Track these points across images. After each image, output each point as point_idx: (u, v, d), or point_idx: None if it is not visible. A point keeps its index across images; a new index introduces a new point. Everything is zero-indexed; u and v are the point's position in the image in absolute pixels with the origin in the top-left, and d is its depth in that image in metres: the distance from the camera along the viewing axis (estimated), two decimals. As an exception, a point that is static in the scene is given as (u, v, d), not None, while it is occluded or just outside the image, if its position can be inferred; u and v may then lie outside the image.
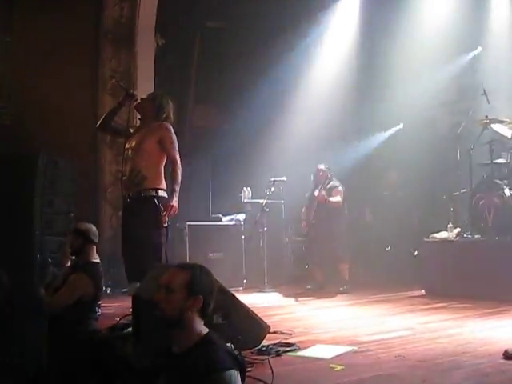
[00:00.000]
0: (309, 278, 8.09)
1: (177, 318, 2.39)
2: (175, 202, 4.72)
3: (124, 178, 4.85)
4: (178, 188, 4.77)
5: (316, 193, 7.81)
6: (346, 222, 8.04)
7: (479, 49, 8.71)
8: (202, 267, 2.52)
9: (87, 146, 8.45)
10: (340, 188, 7.86)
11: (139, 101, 5.08)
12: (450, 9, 8.48)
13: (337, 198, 7.75)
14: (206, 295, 2.44)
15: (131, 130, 5.11)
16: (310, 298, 7.23)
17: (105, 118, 5.13)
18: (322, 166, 8.00)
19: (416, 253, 8.36)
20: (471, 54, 8.82)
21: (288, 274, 8.85)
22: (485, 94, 7.03)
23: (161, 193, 4.78)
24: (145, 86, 8.37)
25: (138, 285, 4.29)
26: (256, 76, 9.69)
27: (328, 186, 7.84)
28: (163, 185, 4.85)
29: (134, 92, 5.17)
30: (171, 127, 4.95)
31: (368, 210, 9.73)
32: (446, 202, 7.66)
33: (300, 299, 7.22)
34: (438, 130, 9.64)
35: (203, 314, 2.45)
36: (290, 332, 4.60)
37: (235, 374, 2.26)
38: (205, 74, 10.11)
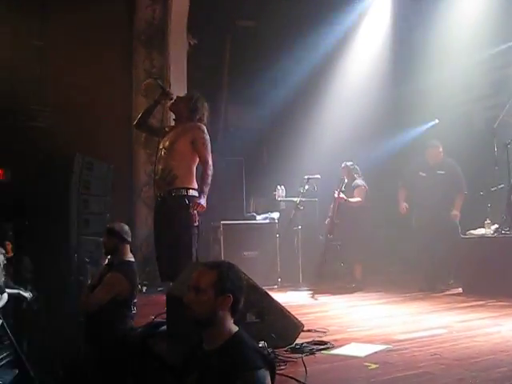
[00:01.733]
0: (348, 276, 7.99)
1: (207, 317, 2.41)
2: (203, 201, 4.73)
3: (156, 177, 4.90)
4: (206, 189, 4.77)
5: (335, 193, 7.77)
6: (369, 220, 7.95)
7: (514, 42, 8.53)
8: (230, 265, 2.53)
9: (122, 147, 8.58)
10: (362, 187, 7.80)
11: (174, 99, 5.11)
12: (484, 2, 8.30)
13: (357, 199, 7.70)
14: (235, 293, 2.45)
15: (166, 129, 5.15)
16: (345, 296, 7.19)
17: (142, 116, 5.17)
18: (345, 164, 7.98)
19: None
20: (506, 47, 8.62)
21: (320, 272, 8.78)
22: (521, 87, 6.88)
23: (191, 192, 4.79)
24: (178, 87, 8.46)
25: (172, 284, 4.34)
26: (289, 73, 9.68)
27: (352, 185, 7.79)
28: (194, 184, 4.86)
29: (170, 90, 5.21)
30: (205, 128, 4.96)
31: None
32: (484, 198, 7.49)
33: (334, 297, 7.18)
34: (474, 125, 9.48)
35: (234, 312, 2.46)
36: (324, 330, 4.58)
37: (265, 374, 2.27)
38: (237, 74, 10.12)
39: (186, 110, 5.01)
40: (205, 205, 4.74)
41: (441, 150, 7.61)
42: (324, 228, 8.05)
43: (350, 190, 7.83)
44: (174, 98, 5.11)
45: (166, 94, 5.08)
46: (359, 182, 7.85)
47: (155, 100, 5.14)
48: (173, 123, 5.27)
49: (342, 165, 7.99)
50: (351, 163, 7.97)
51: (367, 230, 7.87)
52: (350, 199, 7.70)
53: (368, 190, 7.90)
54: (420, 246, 7.66)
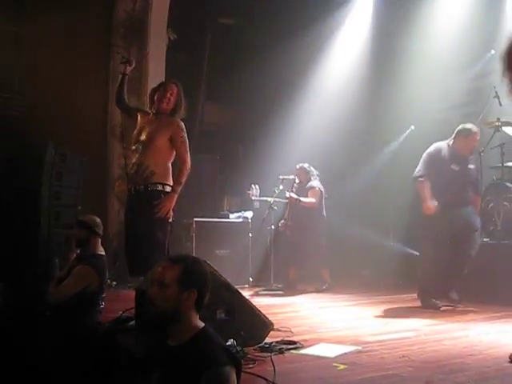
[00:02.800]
0: (318, 279, 8.04)
1: (171, 312, 2.36)
2: (170, 202, 4.63)
3: (131, 171, 4.81)
4: (178, 189, 4.71)
5: (287, 194, 7.82)
6: (323, 223, 8.02)
7: (492, 51, 8.63)
8: (195, 259, 2.49)
9: (96, 139, 8.48)
10: (316, 188, 7.85)
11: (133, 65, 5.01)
12: (464, 11, 8.42)
13: (309, 199, 7.75)
14: (200, 288, 2.41)
15: (139, 116, 4.97)
16: (315, 297, 7.21)
17: (117, 94, 5.09)
18: (301, 165, 8.05)
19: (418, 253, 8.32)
20: (484, 57, 8.74)
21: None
22: (497, 96, 6.97)
23: (168, 188, 4.73)
24: (155, 81, 8.34)
25: (141, 279, 4.28)
26: (267, 73, 9.68)
27: (306, 186, 7.82)
28: (170, 181, 4.79)
29: (130, 58, 5.08)
30: (183, 126, 4.89)
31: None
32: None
33: (304, 298, 7.20)
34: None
35: (198, 308, 2.42)
36: (290, 330, 4.56)
37: (230, 370, 2.23)
38: (216, 71, 10.09)
39: (174, 105, 4.88)
40: (170, 206, 4.64)
41: (478, 137, 6.43)
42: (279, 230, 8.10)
43: (304, 191, 7.89)
44: (133, 63, 5.02)
45: (127, 62, 4.98)
46: (314, 183, 7.92)
47: (121, 72, 5.04)
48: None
49: (297, 166, 8.07)
50: (307, 165, 8.07)
51: (320, 233, 7.93)
52: (301, 198, 7.75)
53: (323, 191, 7.97)
54: (426, 254, 6.47)
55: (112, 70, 8.58)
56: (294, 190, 7.85)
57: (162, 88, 4.93)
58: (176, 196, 4.70)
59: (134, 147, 4.86)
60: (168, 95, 4.87)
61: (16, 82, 7.97)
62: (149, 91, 5.33)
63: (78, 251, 4.82)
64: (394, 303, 6.58)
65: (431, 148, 6.52)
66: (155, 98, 4.91)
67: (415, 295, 7.10)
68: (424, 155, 6.51)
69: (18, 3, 8.01)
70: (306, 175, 7.95)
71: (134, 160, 4.82)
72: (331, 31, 10.00)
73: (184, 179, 4.74)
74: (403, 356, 3.74)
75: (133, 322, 4.12)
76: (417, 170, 6.44)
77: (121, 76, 5.08)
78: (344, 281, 8.54)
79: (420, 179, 6.33)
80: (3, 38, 7.97)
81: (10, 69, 7.97)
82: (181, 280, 2.37)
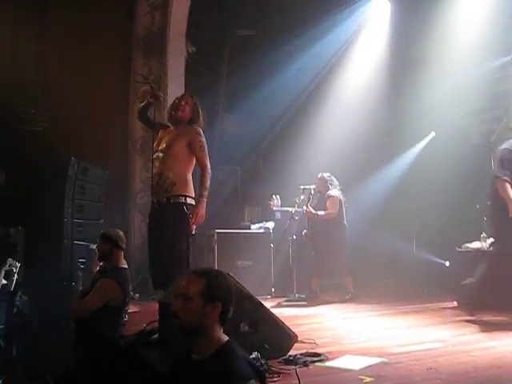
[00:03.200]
0: (341, 289, 7.98)
1: (195, 325, 2.36)
2: (202, 208, 4.71)
3: (153, 182, 4.84)
4: (206, 193, 4.75)
5: (304, 209, 7.77)
6: (345, 232, 7.93)
7: (512, 55, 8.56)
8: (219, 273, 2.48)
9: (118, 153, 8.54)
10: (335, 197, 7.78)
11: (162, 102, 5.06)
12: (483, 15, 8.33)
13: (326, 212, 7.69)
14: (224, 302, 2.40)
15: (160, 130, 5.06)
16: (339, 308, 7.15)
17: (140, 112, 5.16)
18: (321, 175, 7.99)
19: (448, 263, 8.24)
20: (504, 61, 8.65)
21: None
22: (519, 101, 6.88)
23: (189, 200, 4.77)
24: (175, 94, 8.39)
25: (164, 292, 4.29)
26: (286, 83, 9.69)
27: (325, 195, 7.80)
28: (192, 192, 4.83)
29: (159, 93, 5.17)
30: (201, 131, 4.94)
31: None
32: (480, 212, 7.48)
33: (328, 308, 7.14)
34: (471, 139, 9.47)
35: (223, 321, 2.41)
36: (314, 342, 4.50)
37: (254, 384, 2.21)
38: (235, 83, 10.12)
39: (191, 113, 4.94)
40: (204, 213, 4.70)
41: None
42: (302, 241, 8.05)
43: (323, 201, 7.82)
44: (161, 98, 5.07)
45: (155, 96, 5.03)
46: (332, 192, 7.83)
47: (148, 99, 5.05)
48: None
49: (319, 175, 7.99)
50: (328, 174, 7.99)
51: (342, 242, 7.85)
52: (318, 212, 7.69)
53: (343, 200, 7.89)
54: (495, 268, 5.90)
55: (132, 85, 8.67)
56: (311, 200, 7.77)
57: (177, 100, 5.03)
58: (205, 201, 4.73)
59: (154, 156, 4.90)
60: (183, 103, 4.96)
61: (39, 99, 8.06)
62: (169, 104, 5.37)
63: (101, 264, 4.83)
64: (419, 313, 6.47)
65: (506, 145, 5.80)
66: (171, 109, 4.99)
67: (441, 304, 7.05)
68: (498, 153, 5.81)
69: (42, 23, 8.12)
70: (324, 185, 7.89)
71: (154, 170, 4.85)
72: (350, 39, 9.99)
73: (208, 183, 4.79)
74: (430, 368, 3.67)
75: (156, 336, 4.12)
76: (495, 169, 5.79)
77: (146, 101, 5.10)
78: (368, 290, 8.45)
79: (502, 178, 5.57)
80: (28, 55, 8.09)
81: (34, 85, 8.08)
82: (205, 293, 2.37)
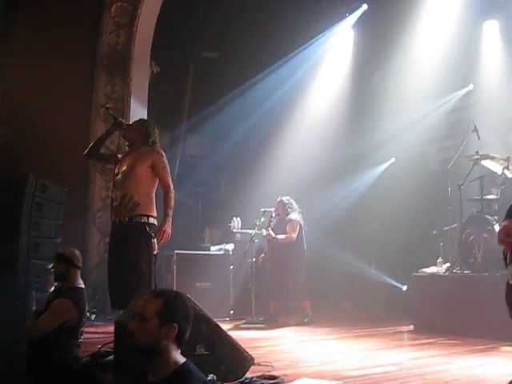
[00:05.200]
0: (299, 312, 7.99)
1: (151, 346, 2.34)
2: (168, 226, 4.72)
3: (115, 203, 4.82)
4: (171, 213, 4.76)
5: (264, 232, 7.81)
6: (303, 256, 7.96)
7: (471, 86, 8.83)
8: (176, 294, 2.48)
9: (78, 171, 8.43)
10: (295, 222, 7.82)
11: (125, 127, 5.10)
12: (442, 46, 8.60)
13: (286, 235, 7.73)
14: (181, 323, 2.39)
15: (119, 156, 5.10)
16: (297, 331, 7.16)
17: (93, 146, 5.19)
18: (280, 198, 8.01)
19: (405, 287, 8.36)
20: (463, 91, 8.92)
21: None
22: (475, 130, 7.09)
23: (152, 220, 4.78)
24: (138, 113, 8.40)
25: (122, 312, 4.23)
26: (249, 107, 9.76)
27: (285, 219, 7.84)
28: (154, 212, 4.85)
29: (123, 120, 5.22)
30: (163, 152, 4.97)
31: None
32: (436, 237, 7.65)
33: (286, 331, 7.14)
34: (429, 166, 9.71)
35: (179, 343, 2.40)
36: (270, 364, 4.49)
37: (211, 406, 2.20)
38: (198, 103, 10.15)
39: (139, 135, 5.01)
40: (170, 231, 4.70)
41: None
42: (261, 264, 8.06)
43: (283, 224, 7.86)
44: (125, 126, 5.10)
45: (117, 124, 5.09)
46: (292, 216, 7.87)
47: (107, 130, 5.21)
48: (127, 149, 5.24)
49: (278, 199, 8.02)
50: (287, 198, 8.02)
51: (301, 266, 7.88)
52: (278, 236, 7.73)
53: (302, 224, 7.92)
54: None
55: (94, 103, 8.61)
56: (271, 224, 7.82)
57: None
58: (170, 220, 4.73)
59: (116, 178, 4.89)
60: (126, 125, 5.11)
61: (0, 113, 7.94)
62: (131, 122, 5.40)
63: (57, 284, 4.74)
64: (376, 337, 6.54)
65: None
66: None
67: (397, 328, 7.14)
68: None
69: (3, 37, 8.02)
70: (283, 209, 7.92)
71: (116, 191, 4.83)
72: (313, 65, 10.15)
73: (172, 203, 4.80)
74: (385, 391, 3.71)
75: (111, 357, 4.05)
76: None
77: (105, 132, 5.20)
78: (325, 314, 8.51)
79: None
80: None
81: (-7, 100, 7.96)
82: (162, 314, 2.36)
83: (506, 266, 3.32)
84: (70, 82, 8.33)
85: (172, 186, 4.87)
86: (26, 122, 7.74)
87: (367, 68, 10.19)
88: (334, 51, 10.25)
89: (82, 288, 4.58)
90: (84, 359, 4.24)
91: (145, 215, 4.74)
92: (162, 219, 4.74)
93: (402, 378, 4.17)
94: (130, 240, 4.68)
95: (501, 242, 3.07)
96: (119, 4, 8.91)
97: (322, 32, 9.94)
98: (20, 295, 6.04)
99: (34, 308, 5.16)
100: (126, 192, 4.77)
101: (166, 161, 4.92)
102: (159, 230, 4.69)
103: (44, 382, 4.06)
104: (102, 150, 5.30)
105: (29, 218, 6.61)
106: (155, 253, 4.69)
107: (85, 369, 4.02)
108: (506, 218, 3.12)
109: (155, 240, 4.66)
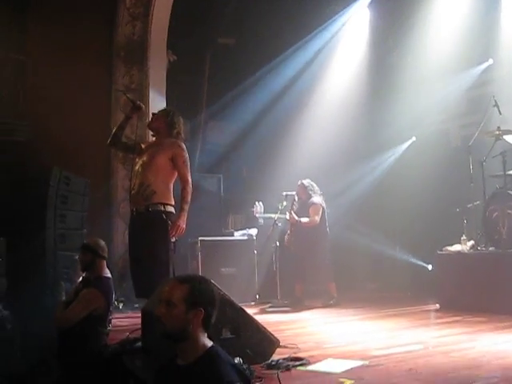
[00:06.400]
0: (324, 294, 8.03)
1: (179, 331, 2.39)
2: (182, 221, 4.74)
3: (133, 192, 4.87)
4: (186, 207, 4.79)
5: (287, 216, 7.80)
6: (327, 238, 7.98)
7: (490, 61, 8.70)
8: (202, 279, 2.52)
9: (100, 162, 8.54)
10: (318, 205, 7.81)
11: (151, 117, 5.14)
12: (461, 21, 8.50)
13: (309, 219, 7.72)
14: (207, 307, 2.43)
15: (142, 146, 5.14)
16: (322, 312, 7.21)
17: (114, 134, 5.18)
18: (301, 182, 7.99)
19: (430, 267, 8.33)
20: (482, 66, 8.80)
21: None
22: (496, 105, 7.00)
23: (169, 208, 4.81)
24: (157, 103, 8.47)
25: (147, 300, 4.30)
26: (268, 90, 9.76)
27: (308, 202, 7.84)
28: (172, 201, 4.87)
29: (141, 104, 5.19)
30: (184, 146, 4.99)
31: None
32: (460, 215, 7.59)
33: (311, 313, 7.19)
34: (451, 142, 9.62)
35: (206, 327, 2.44)
36: (296, 346, 4.53)
37: (240, 388, 2.25)
38: (216, 90, 10.17)
39: (164, 125, 5.03)
40: (184, 225, 4.74)
41: None
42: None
43: (305, 207, 7.85)
44: (143, 108, 5.12)
45: (136, 108, 5.09)
46: (315, 199, 7.86)
47: (126, 115, 5.18)
48: (151, 138, 5.29)
49: (298, 182, 8.01)
50: (308, 181, 8.00)
51: (325, 248, 7.89)
52: (301, 219, 7.73)
53: (324, 207, 7.92)
54: None
55: (114, 94, 8.69)
56: (294, 207, 7.82)
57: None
58: (186, 214, 4.76)
59: (135, 167, 4.94)
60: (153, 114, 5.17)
61: (20, 108, 8.05)
62: (150, 112, 5.43)
63: (84, 274, 4.83)
64: (402, 316, 6.55)
65: None
66: None
67: (423, 307, 7.14)
68: None
69: (21, 32, 8.12)
70: (305, 192, 7.92)
71: (135, 180, 4.88)
72: (330, 46, 10.10)
73: (189, 197, 4.83)
74: (410, 369, 3.73)
75: (139, 344, 4.13)
76: None
77: (124, 117, 5.20)
78: (351, 295, 8.53)
79: None
80: (7, 65, 8.07)
81: (14, 95, 8.07)
82: (188, 299, 2.40)
83: None
84: (89, 73, 8.40)
85: (190, 181, 4.88)
86: (47, 115, 7.84)
87: (384, 47, 10.10)
88: (350, 32, 10.18)
89: (108, 277, 4.67)
90: (113, 346, 4.33)
91: (162, 203, 4.78)
92: (178, 213, 4.77)
93: (428, 356, 4.19)
94: (148, 229, 4.73)
95: None
96: (134, -6, 8.95)
97: (337, 13, 9.88)
98: (49, 286, 6.17)
99: (63, 298, 5.27)
100: (143, 180, 4.82)
101: (187, 155, 4.94)
102: (173, 224, 4.71)
103: (75, 370, 4.16)
104: (124, 139, 5.32)
105: (54, 211, 6.74)
106: (173, 240, 4.74)
107: (114, 356, 4.10)
108: None
109: (172, 231, 4.70)
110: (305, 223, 7.72)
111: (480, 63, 8.82)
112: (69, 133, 7.89)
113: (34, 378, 4.28)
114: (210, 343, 2.45)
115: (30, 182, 6.79)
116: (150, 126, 5.15)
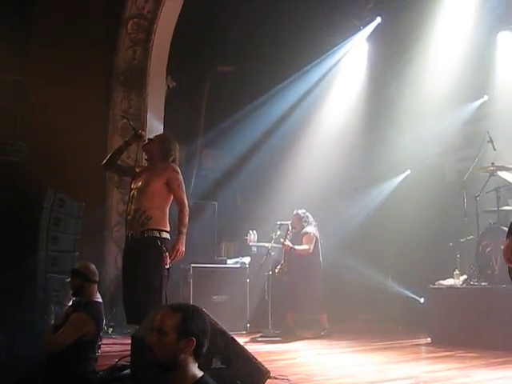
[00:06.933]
0: (315, 325, 7.98)
1: (170, 360, 2.37)
2: (182, 244, 4.73)
3: (128, 217, 4.87)
4: (184, 230, 4.78)
5: (282, 241, 7.81)
6: (320, 268, 7.98)
7: (486, 97, 8.80)
8: (194, 308, 2.51)
9: (95, 185, 8.52)
10: (311, 234, 7.85)
11: (146, 141, 5.15)
12: (457, 57, 8.60)
13: (303, 246, 7.75)
14: (199, 337, 2.42)
15: (137, 170, 5.16)
16: (313, 344, 7.15)
17: (111, 157, 5.21)
18: (296, 212, 8.04)
19: (422, 300, 8.31)
20: (478, 102, 8.90)
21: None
22: (491, 141, 7.06)
23: (164, 234, 4.79)
24: (154, 128, 8.51)
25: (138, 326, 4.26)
26: (265, 121, 9.82)
27: (301, 232, 7.85)
28: (167, 227, 4.86)
29: (143, 133, 5.22)
30: (179, 169, 5.01)
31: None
32: (453, 249, 7.61)
33: (302, 344, 7.13)
34: (445, 177, 9.67)
35: (197, 356, 2.42)
36: (287, 378, 4.49)
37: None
38: (214, 118, 10.22)
39: (159, 151, 5.04)
40: (183, 249, 4.72)
41: None
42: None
43: (299, 237, 7.89)
44: (146, 139, 5.14)
45: (137, 136, 5.12)
46: (308, 229, 7.91)
47: (125, 141, 5.21)
48: (145, 163, 5.30)
49: (294, 212, 8.06)
50: (303, 211, 8.05)
51: (317, 278, 7.89)
52: (296, 246, 7.74)
53: (318, 237, 7.94)
54: None
55: (112, 118, 8.72)
56: (288, 236, 7.84)
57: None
58: (184, 237, 4.76)
59: (131, 193, 4.94)
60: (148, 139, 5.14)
61: (17, 129, 8.06)
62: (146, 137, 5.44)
63: (74, 298, 4.79)
64: (393, 349, 6.52)
65: None
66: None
67: (415, 341, 7.10)
68: None
69: (22, 54, 8.16)
70: (299, 221, 7.96)
71: (131, 206, 4.88)
72: (328, 78, 10.20)
73: (187, 220, 4.83)
74: (401, 404, 3.70)
75: (128, 371, 4.08)
76: None
77: (124, 143, 5.23)
78: (343, 326, 8.49)
79: None
80: (6, 86, 8.09)
81: (11, 116, 8.08)
82: (180, 328, 2.38)
83: None
84: (87, 97, 8.44)
85: (187, 204, 4.89)
86: (44, 137, 7.85)
87: (382, 80, 10.20)
88: (348, 64, 10.30)
89: (99, 302, 4.62)
90: (101, 373, 4.27)
91: (157, 229, 4.77)
92: (176, 237, 4.76)
93: (419, 392, 4.16)
94: (142, 254, 4.71)
95: (507, 260, 3.07)
96: (135, 20, 9.04)
97: (336, 45, 10.00)
98: (39, 309, 6.11)
99: (53, 322, 5.22)
100: (139, 206, 4.81)
101: (182, 178, 4.96)
102: (172, 248, 4.70)
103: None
104: (119, 162, 5.34)
105: (47, 233, 6.71)
106: (167, 267, 4.72)
107: (102, 382, 4.05)
108: (508, 236, 3.11)
109: (167, 254, 4.68)
110: (298, 251, 7.72)
111: (476, 99, 8.92)
112: (65, 155, 7.90)
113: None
114: (200, 373, 2.43)
115: (24, 203, 6.77)
116: (144, 148, 5.15)
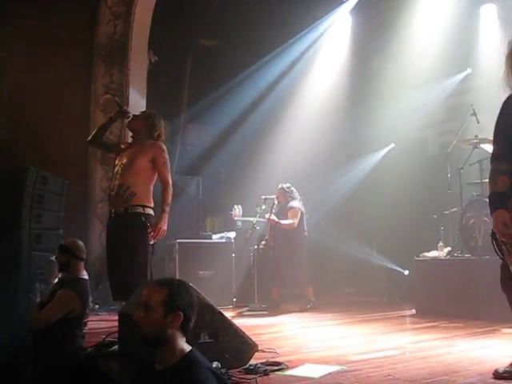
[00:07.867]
0: (302, 298, 8.04)
1: (157, 335, 2.37)
2: (164, 223, 4.70)
3: (112, 193, 4.82)
4: (167, 209, 4.75)
5: (267, 216, 7.83)
6: (305, 242, 8.02)
7: (469, 70, 8.80)
8: (180, 282, 2.50)
9: (78, 162, 8.45)
10: (296, 209, 7.87)
11: (131, 117, 5.08)
12: (440, 30, 8.57)
13: (288, 221, 7.78)
14: (186, 311, 2.41)
15: (122, 147, 5.10)
16: (300, 317, 7.21)
17: (96, 133, 5.14)
18: (281, 186, 8.04)
19: (407, 272, 8.40)
20: (461, 75, 8.90)
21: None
22: (474, 114, 7.09)
23: (148, 210, 4.76)
24: (137, 103, 8.42)
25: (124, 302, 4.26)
26: (248, 93, 9.75)
27: (286, 206, 7.86)
28: (151, 203, 4.83)
29: (127, 109, 5.16)
30: (165, 147, 4.96)
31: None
32: (437, 221, 7.67)
33: (289, 317, 7.19)
34: (429, 150, 9.71)
35: (185, 331, 2.42)
36: (274, 351, 4.52)
37: (218, 393, 2.23)
38: (197, 92, 10.14)
39: (144, 127, 4.98)
40: (165, 227, 4.70)
41: None
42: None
43: (284, 211, 7.90)
44: (131, 116, 5.07)
45: (122, 112, 5.05)
46: (293, 203, 7.92)
47: (111, 117, 5.13)
48: (130, 140, 5.24)
49: (279, 186, 8.06)
50: (287, 185, 8.06)
51: (303, 252, 7.95)
52: (281, 221, 7.77)
53: (303, 211, 7.97)
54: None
55: (93, 94, 8.60)
56: (273, 211, 7.85)
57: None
58: (167, 216, 4.73)
59: (115, 169, 4.89)
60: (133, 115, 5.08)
61: (-1, 106, 7.94)
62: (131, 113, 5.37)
63: (60, 275, 4.77)
64: (379, 321, 6.58)
65: None
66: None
67: (400, 312, 7.19)
68: None
69: (2, 28, 7.99)
70: (284, 196, 7.96)
71: (114, 181, 4.83)
72: (311, 51, 10.13)
73: (170, 199, 4.80)
74: (388, 375, 3.73)
75: (116, 347, 4.08)
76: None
77: (109, 119, 5.14)
78: (328, 299, 8.57)
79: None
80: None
81: (-8, 92, 7.95)
82: (167, 303, 2.38)
83: (499, 255, 3.35)
84: (69, 72, 8.32)
85: (171, 182, 4.85)
86: (25, 114, 7.75)
87: (365, 53, 10.16)
88: (332, 37, 10.23)
89: (85, 279, 4.61)
90: (89, 349, 4.27)
91: (141, 205, 4.74)
92: (158, 215, 4.73)
93: (405, 362, 4.20)
94: (126, 231, 4.68)
95: (502, 234, 3.06)
96: (116, -7, 8.88)
97: (319, 18, 9.92)
98: (23, 287, 6.07)
99: (38, 299, 5.20)
100: (123, 182, 4.77)
101: (167, 156, 4.91)
102: (155, 226, 4.68)
103: (49, 373, 4.09)
104: (104, 139, 5.27)
105: (30, 211, 6.64)
106: (151, 243, 4.70)
107: (90, 359, 4.05)
108: (495, 209, 3.09)
109: (152, 233, 4.66)
110: (284, 225, 7.74)
111: (459, 72, 8.92)
112: (47, 131, 7.81)
113: (6, 382, 4.21)
114: (188, 348, 2.43)
115: (5, 181, 6.68)
116: (129, 126, 5.10)
